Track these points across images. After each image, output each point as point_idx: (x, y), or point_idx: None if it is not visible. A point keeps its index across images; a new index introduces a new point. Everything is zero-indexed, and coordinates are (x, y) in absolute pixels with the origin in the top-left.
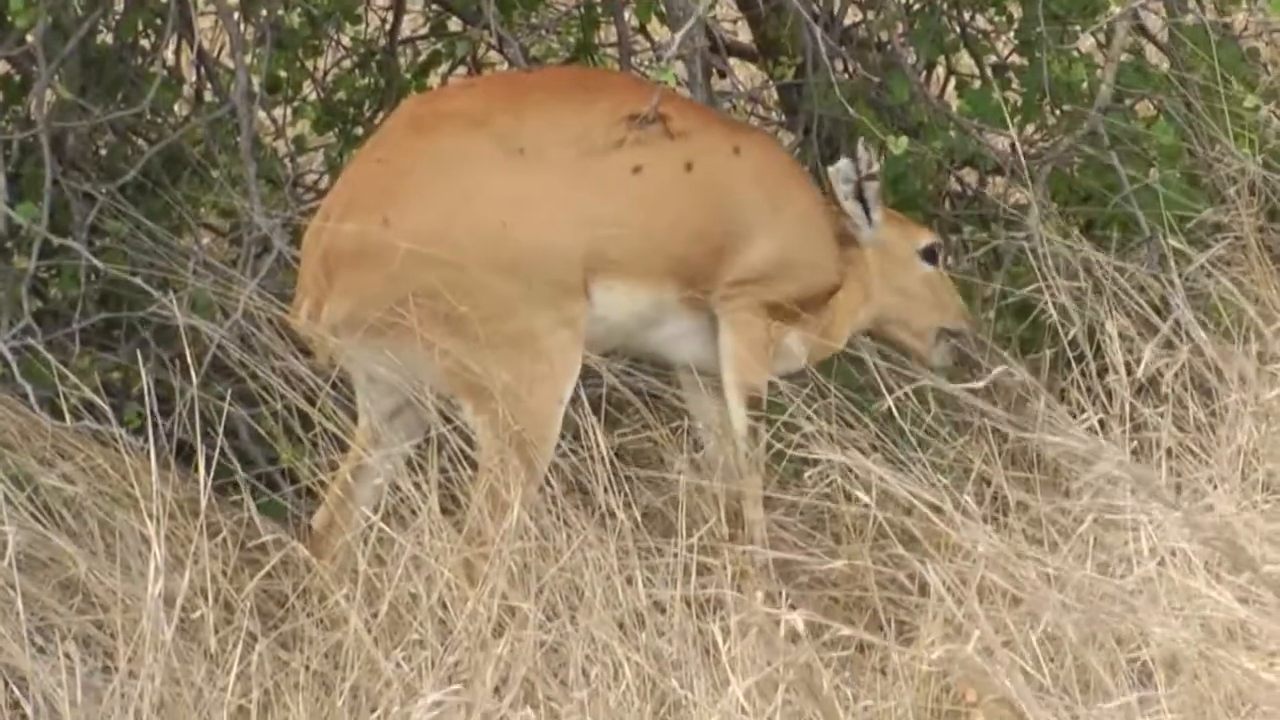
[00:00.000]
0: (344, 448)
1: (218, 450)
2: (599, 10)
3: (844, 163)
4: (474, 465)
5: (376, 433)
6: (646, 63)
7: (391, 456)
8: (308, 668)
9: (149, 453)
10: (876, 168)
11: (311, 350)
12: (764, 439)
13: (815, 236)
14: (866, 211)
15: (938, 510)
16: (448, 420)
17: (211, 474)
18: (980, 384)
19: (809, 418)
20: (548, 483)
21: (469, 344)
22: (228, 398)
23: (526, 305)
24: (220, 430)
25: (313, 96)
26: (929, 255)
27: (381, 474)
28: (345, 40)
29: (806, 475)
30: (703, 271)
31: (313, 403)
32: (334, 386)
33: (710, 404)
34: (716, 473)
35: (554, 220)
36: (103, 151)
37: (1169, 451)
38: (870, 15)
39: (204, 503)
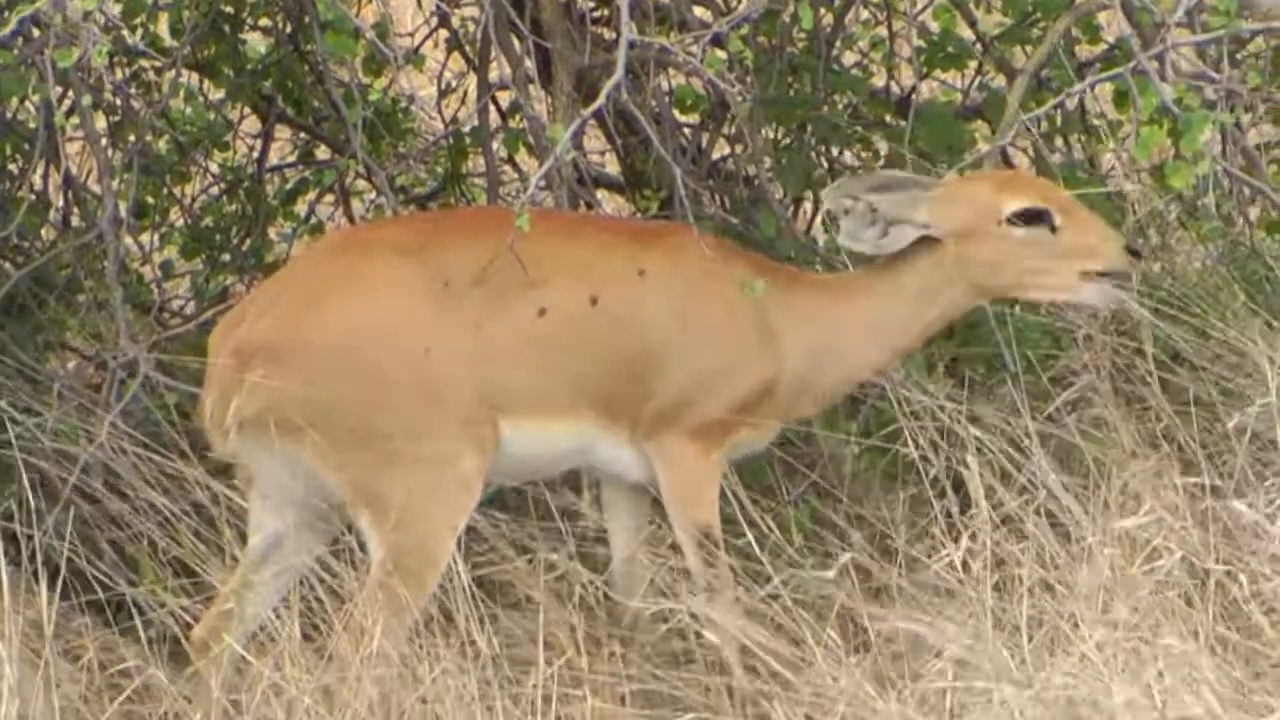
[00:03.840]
0: (191, 573)
1: (68, 574)
2: (467, 141)
3: (848, 224)
4: (335, 594)
5: (266, 551)
6: (514, 193)
7: (287, 571)
8: None
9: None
10: (856, 196)
11: (212, 445)
12: (724, 558)
13: (734, 341)
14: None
15: (797, 643)
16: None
17: (74, 599)
18: (831, 574)
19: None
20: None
21: (375, 458)
22: (69, 522)
23: (439, 429)
24: (78, 555)
25: (180, 223)
26: (1020, 218)
27: (272, 589)
28: (213, 167)
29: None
30: (624, 401)
31: (172, 530)
32: (199, 512)
33: (624, 518)
34: (617, 588)
35: (469, 354)
36: None
37: (1030, 590)
38: (738, 149)
39: (50, 622)
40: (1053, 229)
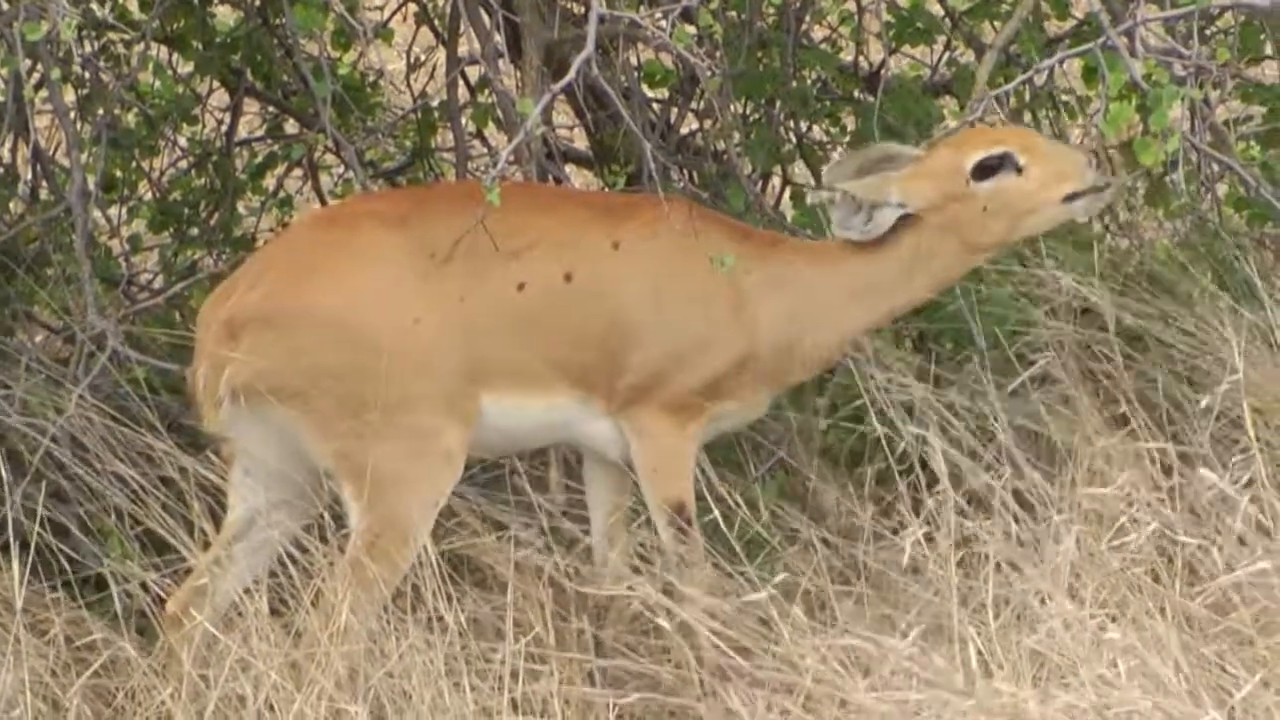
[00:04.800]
0: (165, 549)
1: (39, 549)
2: (436, 115)
3: (837, 214)
4: (305, 570)
5: (243, 528)
6: (482, 168)
7: (263, 547)
8: None
9: None
10: (833, 190)
11: (202, 419)
12: (698, 538)
13: (708, 316)
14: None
15: (765, 622)
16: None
17: (43, 574)
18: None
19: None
20: None
21: (362, 429)
22: (40, 495)
23: (425, 401)
24: (46, 529)
25: (148, 196)
26: (984, 170)
27: (247, 566)
28: (182, 141)
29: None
30: (599, 375)
31: (141, 504)
32: (167, 484)
33: (605, 494)
34: (597, 566)
35: (454, 325)
36: None
37: (997, 566)
38: (707, 124)
39: (19, 595)
40: (1018, 170)
